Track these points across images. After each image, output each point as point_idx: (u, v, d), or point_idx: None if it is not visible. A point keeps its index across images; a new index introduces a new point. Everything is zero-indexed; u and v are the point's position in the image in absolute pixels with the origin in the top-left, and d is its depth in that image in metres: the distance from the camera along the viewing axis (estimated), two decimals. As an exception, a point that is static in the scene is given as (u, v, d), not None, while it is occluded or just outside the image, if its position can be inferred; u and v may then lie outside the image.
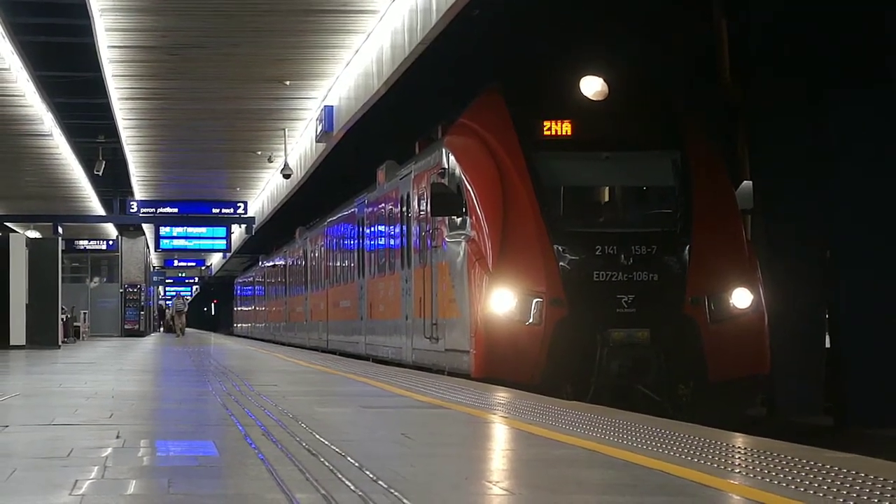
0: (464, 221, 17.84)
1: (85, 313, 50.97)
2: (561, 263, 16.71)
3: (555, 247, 16.75)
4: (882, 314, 21.58)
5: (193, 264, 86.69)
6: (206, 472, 7.04)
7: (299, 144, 34.90)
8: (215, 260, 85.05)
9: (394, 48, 21.22)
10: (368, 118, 26.46)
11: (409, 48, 20.03)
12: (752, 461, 7.41)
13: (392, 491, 6.14)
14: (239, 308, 79.06)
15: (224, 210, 46.83)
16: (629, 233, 16.92)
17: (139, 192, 45.99)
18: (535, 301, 16.55)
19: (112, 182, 44.38)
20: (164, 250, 53.98)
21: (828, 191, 21.89)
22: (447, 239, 18.70)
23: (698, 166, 17.46)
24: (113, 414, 11.06)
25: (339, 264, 32.78)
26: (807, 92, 21.94)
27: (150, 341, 48.04)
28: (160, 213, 46.74)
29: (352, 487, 6.28)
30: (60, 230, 48.25)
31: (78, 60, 27.81)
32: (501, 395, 13.50)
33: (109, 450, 8.02)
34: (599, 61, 18.04)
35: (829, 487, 6.32)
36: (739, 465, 7.24)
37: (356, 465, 7.15)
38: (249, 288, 68.50)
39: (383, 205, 25.20)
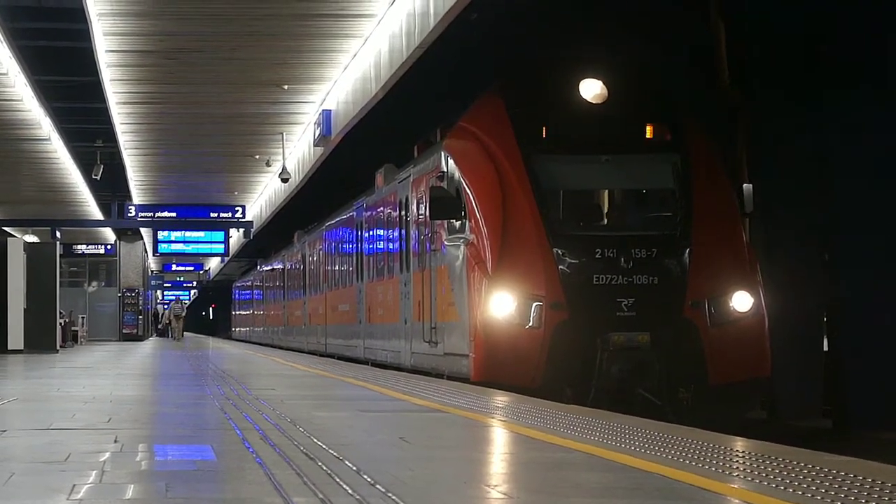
0: (463, 225, 17.79)
1: (83, 318, 50.95)
2: (561, 267, 16.65)
3: (554, 250, 16.69)
4: (881, 316, 21.58)
5: (191, 268, 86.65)
6: (204, 477, 7.04)
7: (297, 148, 34.90)
8: (213, 264, 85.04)
9: (392, 52, 21.22)
10: (366, 122, 26.44)
11: (407, 52, 20.03)
12: (751, 464, 7.41)
13: (390, 495, 6.13)
14: (237, 312, 79.03)
15: (222, 214, 46.79)
16: (629, 236, 16.88)
17: (137, 197, 45.98)
18: (534, 305, 16.50)
19: (110, 186, 44.36)
20: (162, 254, 53.95)
21: (827, 193, 21.88)
22: (446, 242, 18.64)
23: (698, 169, 17.40)
24: (111, 418, 11.05)
25: (337, 268, 32.66)
26: (806, 93, 21.95)
27: (149, 346, 48.02)
28: (158, 217, 46.70)
29: (350, 491, 6.27)
30: (58, 234, 48.21)
31: (76, 65, 27.81)
32: (500, 398, 13.49)
33: (107, 454, 8.02)
34: (599, 64, 17.99)
35: (826, 491, 6.32)
36: (738, 468, 7.23)
37: (354, 468, 7.14)
38: (248, 292, 68.44)
39: (382, 208, 25.10)
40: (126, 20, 21.24)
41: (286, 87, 26.73)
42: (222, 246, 50.61)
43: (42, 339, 33.35)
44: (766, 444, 8.73)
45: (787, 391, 21.48)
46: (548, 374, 16.32)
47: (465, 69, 24.83)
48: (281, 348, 45.19)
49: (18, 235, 47.92)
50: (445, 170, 18.61)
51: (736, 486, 6.48)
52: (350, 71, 24.88)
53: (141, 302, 62.24)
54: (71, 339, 43.66)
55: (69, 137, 34.93)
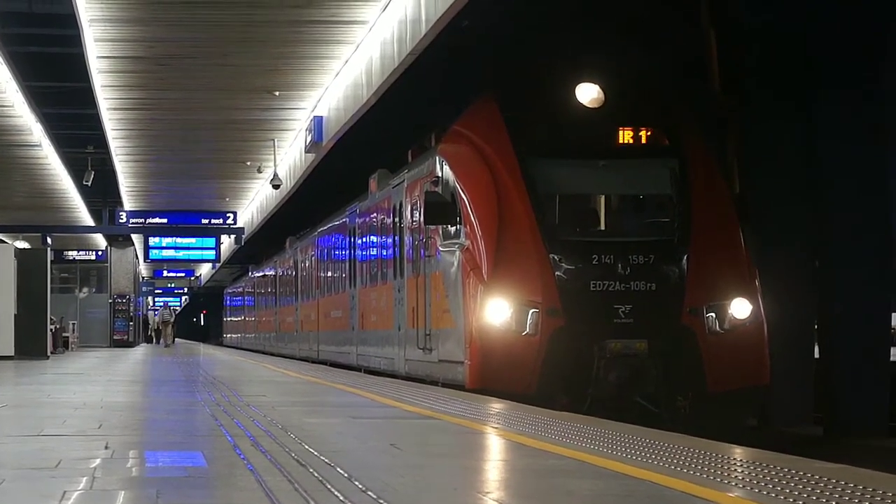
0: (458, 230, 17.63)
1: (74, 324, 50.84)
2: (557, 273, 16.48)
3: (551, 256, 16.52)
4: (872, 323, 21.61)
5: (183, 275, 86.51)
6: (194, 483, 7.03)
7: (288, 155, 34.88)
8: (204, 270, 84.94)
9: (383, 59, 21.22)
10: (358, 129, 26.43)
11: (399, 59, 20.03)
12: (742, 471, 7.41)
13: (381, 501, 6.13)
14: (228, 318, 78.88)
15: (213, 220, 46.74)
16: (626, 242, 16.73)
17: (128, 203, 45.93)
18: (530, 311, 16.32)
19: (101, 192, 44.33)
20: (153, 261, 53.87)
21: (817, 199, 21.90)
22: (441, 248, 18.48)
23: (696, 174, 17.28)
24: (102, 424, 11.03)
25: (330, 274, 32.42)
26: (797, 98, 21.96)
27: (140, 352, 47.95)
28: (149, 223, 46.64)
29: (341, 498, 6.27)
30: (49, 241, 48.15)
31: (67, 71, 27.82)
32: (492, 405, 13.49)
33: (98, 460, 8.00)
34: (595, 67, 17.86)
35: (818, 498, 6.32)
36: (729, 475, 7.23)
37: (345, 475, 7.13)
38: (239, 298, 68.31)
39: (375, 214, 24.88)
40: (117, 26, 21.22)
41: (278, 93, 26.72)
42: (213, 252, 50.57)
43: (33, 345, 33.28)
44: (756, 451, 8.73)
45: (779, 398, 21.48)
46: (544, 381, 16.15)
47: (457, 75, 24.84)
48: (273, 355, 45.01)
49: (9, 241, 47.86)
50: (440, 174, 18.46)
51: (726, 493, 6.48)
52: (341, 77, 24.88)
53: (132, 308, 62.15)
54: (62, 345, 43.57)
55: (60, 143, 34.90)
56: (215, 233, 48.65)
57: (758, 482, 6.90)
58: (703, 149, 17.78)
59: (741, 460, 8.00)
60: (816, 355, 22.61)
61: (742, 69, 22.39)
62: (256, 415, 12.08)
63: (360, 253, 27.17)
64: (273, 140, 32.46)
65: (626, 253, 16.46)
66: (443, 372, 18.41)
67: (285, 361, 35.06)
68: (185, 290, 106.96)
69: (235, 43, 22.46)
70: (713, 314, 16.46)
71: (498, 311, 16.42)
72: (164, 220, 46.48)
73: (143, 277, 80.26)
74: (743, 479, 7.06)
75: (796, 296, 21.66)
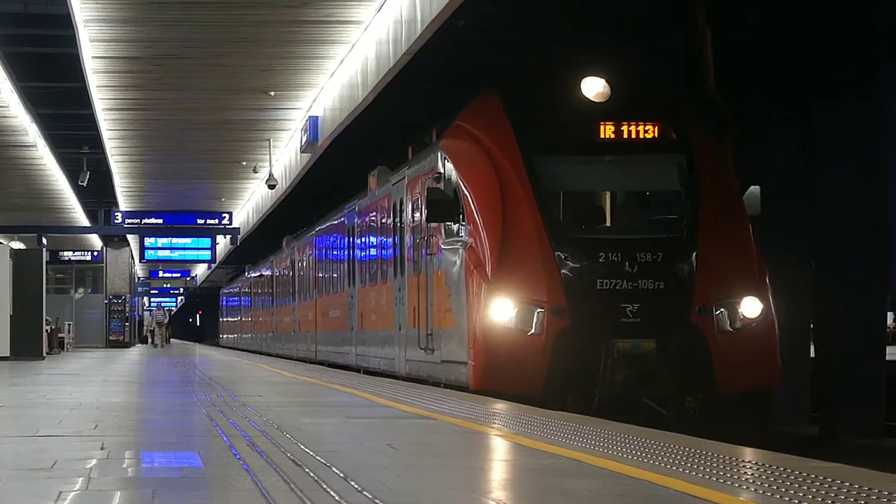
0: (461, 228, 17.25)
1: (69, 324, 50.84)
2: (563, 271, 16.10)
3: (556, 254, 16.15)
4: (868, 322, 21.63)
5: (178, 275, 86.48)
6: (190, 484, 7.02)
7: (284, 155, 34.87)
8: (200, 271, 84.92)
9: (378, 59, 21.22)
10: (353, 129, 26.43)
11: (394, 59, 20.03)
12: (738, 471, 7.41)
13: (377, 501, 6.12)
14: (225, 319, 78.76)
15: (209, 221, 46.74)
16: (634, 239, 16.36)
17: (124, 203, 45.92)
18: (536, 310, 15.94)
19: (96, 193, 44.31)
20: (148, 261, 53.87)
21: (814, 200, 21.92)
22: (443, 246, 18.08)
23: (705, 170, 16.92)
24: (97, 425, 11.02)
25: (328, 273, 31.93)
26: (793, 98, 21.98)
27: (135, 352, 47.94)
28: (145, 223, 46.65)
29: (337, 498, 6.26)
30: (45, 241, 48.13)
31: (62, 71, 27.77)
32: (489, 405, 13.48)
33: (94, 461, 8.00)
34: (601, 61, 17.48)
35: (813, 497, 6.32)
36: (725, 474, 7.23)
37: (341, 475, 7.13)
38: (235, 298, 68.13)
39: (375, 211, 24.42)
40: (112, 26, 21.21)
41: (273, 93, 26.72)
42: (209, 252, 50.57)
43: (28, 345, 33.28)
44: (752, 451, 8.73)
45: (774, 398, 21.47)
46: (549, 382, 15.78)
47: (452, 75, 24.82)
48: (270, 355, 44.75)
49: (4, 242, 47.82)
50: (442, 171, 18.07)
51: (722, 493, 6.48)
52: (337, 77, 24.88)
53: (127, 309, 62.12)
54: (57, 345, 43.56)
55: (55, 144, 34.88)
56: (211, 233, 48.66)
57: (753, 481, 6.90)
58: (710, 143, 17.46)
59: (736, 459, 8.00)
60: (812, 354, 22.61)
61: (738, 70, 22.38)
62: (252, 415, 12.07)
63: (359, 251, 26.69)
64: (268, 140, 32.47)
65: (634, 251, 16.10)
66: (445, 373, 18.05)
67: (281, 361, 35.04)
68: (181, 290, 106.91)
69: (231, 43, 22.46)
70: (723, 313, 16.13)
71: (502, 310, 16.07)
72: (160, 221, 46.47)
73: (138, 278, 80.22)
74: (738, 477, 7.06)
75: (792, 295, 21.67)
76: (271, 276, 47.40)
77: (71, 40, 22.52)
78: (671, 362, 15.72)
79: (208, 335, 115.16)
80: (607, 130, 16.95)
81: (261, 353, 48.88)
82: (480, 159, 17.23)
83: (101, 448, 8.85)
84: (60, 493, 6.49)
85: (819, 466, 7.68)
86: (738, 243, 16.71)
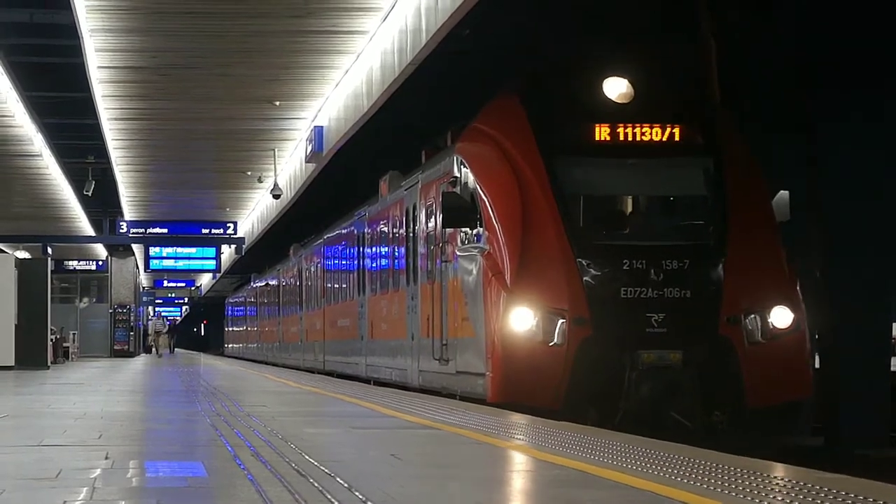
0: (478, 233, 16.59)
1: (74, 334, 50.84)
2: (585, 279, 15.50)
3: (578, 261, 15.54)
4: (871, 333, 21.61)
5: (183, 285, 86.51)
6: (195, 493, 7.03)
7: (289, 165, 34.90)
8: (205, 280, 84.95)
9: (384, 69, 21.24)
10: (358, 138, 26.45)
11: (399, 69, 20.05)
12: (742, 481, 7.40)
13: (382, 512, 6.12)
14: (230, 328, 78.51)
15: (214, 230, 46.76)
16: (659, 246, 15.76)
17: (129, 213, 45.96)
18: (557, 320, 15.32)
19: (101, 202, 44.35)
20: (153, 271, 53.91)
21: (820, 213, 21.91)
22: (459, 253, 17.38)
23: (732, 173, 16.27)
24: (102, 435, 11.03)
25: (337, 281, 31.21)
26: (796, 108, 21.97)
27: (140, 362, 47.94)
28: (150, 233, 46.67)
29: (341, 508, 6.26)
30: (50, 251, 48.18)
31: (68, 81, 27.81)
32: (493, 416, 13.47)
33: (98, 471, 8.00)
34: (624, 61, 16.85)
35: (819, 508, 6.32)
36: (728, 485, 7.23)
37: (345, 485, 7.13)
38: (241, 308, 67.83)
39: (386, 217, 23.64)
40: (118, 36, 21.25)
41: (278, 103, 26.74)
42: (214, 262, 50.59)
43: (33, 355, 33.28)
44: (755, 461, 8.73)
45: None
46: (571, 394, 15.16)
47: (458, 85, 24.84)
48: (276, 365, 44.24)
49: (9, 251, 47.88)
50: (458, 175, 17.40)
51: (724, 503, 6.48)
52: (342, 87, 24.91)
53: (132, 318, 62.15)
54: (62, 355, 43.57)
55: (61, 153, 34.92)
56: (216, 243, 48.67)
57: (757, 492, 6.90)
58: (738, 147, 16.76)
59: (740, 470, 8.00)
60: (816, 365, 22.59)
61: (743, 83, 22.39)
62: (256, 425, 12.07)
63: (369, 259, 25.94)
64: (273, 150, 32.49)
65: (660, 258, 15.50)
66: (461, 384, 17.40)
67: (286, 372, 35.02)
68: (186, 300, 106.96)
69: (236, 53, 22.49)
70: (752, 323, 15.54)
71: (522, 319, 15.43)
72: (165, 230, 46.51)
73: (143, 287, 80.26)
74: (742, 488, 7.05)
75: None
76: (278, 285, 46.96)
77: (76, 50, 22.56)
78: (698, 374, 15.15)
79: (213, 345, 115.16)
80: (631, 132, 16.35)
81: (266, 363, 48.37)
82: (499, 162, 16.63)
83: (106, 458, 8.85)
84: (65, 502, 6.50)
85: (822, 477, 7.68)
86: (767, 250, 16.11)
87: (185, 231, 46.91)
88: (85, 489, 7.03)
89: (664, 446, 9.84)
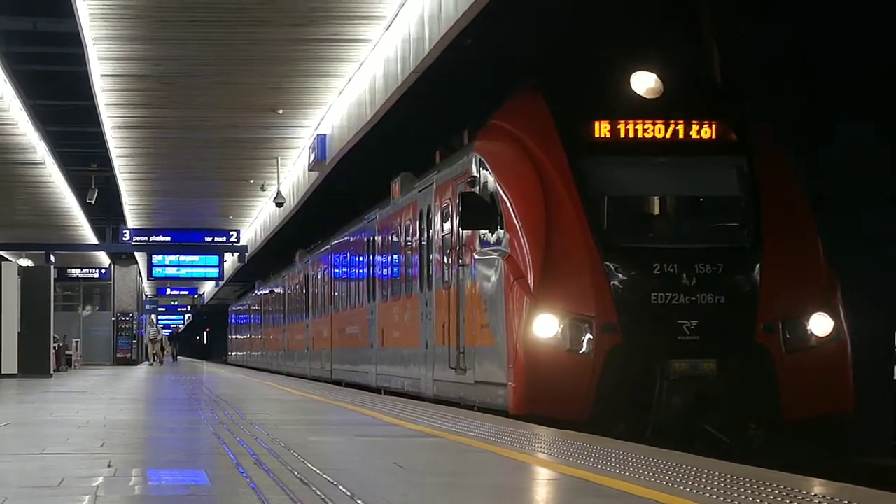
0: (499, 236, 15.81)
1: (77, 342, 50.86)
2: (613, 283, 14.73)
3: (606, 265, 14.77)
4: (874, 342, 21.58)
5: (186, 293, 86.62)
6: (197, 502, 7.02)
7: (292, 173, 34.92)
8: (208, 288, 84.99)
9: (386, 77, 21.26)
10: (361, 147, 26.46)
11: (402, 77, 20.07)
12: (744, 490, 7.40)
13: (384, 520, 6.12)
14: (234, 336, 78.26)
15: (217, 238, 46.79)
16: (691, 249, 14.98)
17: (132, 221, 45.99)
18: (583, 327, 14.59)
19: (104, 210, 44.37)
20: (156, 279, 53.95)
21: (820, 214, 21.87)
22: (478, 256, 16.64)
23: (768, 173, 15.53)
24: (104, 443, 11.03)
25: (345, 287, 30.25)
26: (803, 121, 21.96)
27: (143, 370, 47.93)
28: (153, 241, 46.71)
29: (344, 517, 6.26)
30: (53, 258, 48.21)
31: (71, 89, 27.83)
32: (496, 425, 13.46)
33: (101, 479, 8.00)
34: (653, 55, 16.08)
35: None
36: (729, 493, 7.22)
37: (348, 493, 7.13)
38: (245, 315, 67.43)
39: (398, 220, 22.72)
40: (121, 45, 21.27)
41: (281, 111, 26.76)
42: (217, 270, 50.58)
43: (36, 363, 33.30)
44: (756, 470, 8.73)
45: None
46: (598, 406, 14.41)
47: (461, 93, 24.85)
48: (281, 374, 43.52)
49: (13, 259, 47.91)
50: (477, 174, 16.64)
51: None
52: (345, 95, 24.93)
53: (135, 326, 62.18)
54: (65, 363, 43.57)
55: (64, 161, 34.95)
56: (219, 251, 48.70)
57: (760, 500, 6.89)
58: (773, 145, 16.01)
59: (741, 478, 7.98)
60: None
61: (745, 88, 22.37)
62: (259, 433, 12.07)
63: (380, 264, 25.01)
64: (276, 158, 32.51)
65: (692, 261, 14.72)
66: (480, 395, 16.58)
67: (289, 379, 34.98)
68: (189, 307, 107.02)
69: (239, 61, 22.51)
70: (790, 331, 14.78)
71: (546, 326, 14.66)
72: (168, 238, 46.54)
73: (146, 295, 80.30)
74: (745, 497, 7.04)
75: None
76: (283, 291, 46.24)
77: (80, 58, 22.58)
78: (733, 385, 14.41)
79: (216, 353, 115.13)
80: (660, 130, 15.57)
81: (271, 372, 47.72)
82: (520, 161, 15.81)
83: (109, 466, 8.85)
84: (67, 510, 6.50)
85: (826, 485, 7.67)
86: (805, 253, 15.38)
87: (187, 239, 46.94)
88: (87, 497, 7.02)
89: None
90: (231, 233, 46.76)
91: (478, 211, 16.12)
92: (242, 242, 47.60)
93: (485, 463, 9.42)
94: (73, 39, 21.61)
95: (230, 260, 55.83)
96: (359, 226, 27.95)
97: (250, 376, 39.43)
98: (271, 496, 7.04)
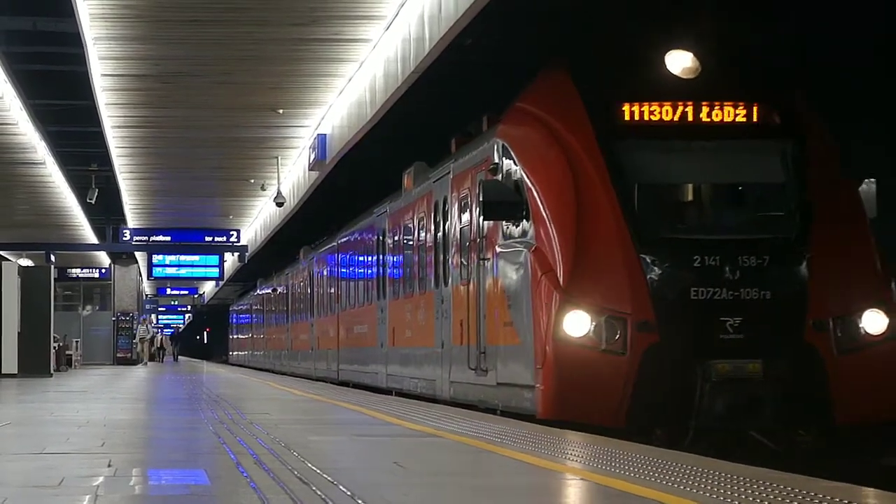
0: (524, 227, 14.79)
1: (77, 342, 50.85)
2: (650, 277, 13.73)
3: (642, 257, 13.77)
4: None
5: (186, 292, 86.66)
6: (197, 501, 7.02)
7: (292, 173, 34.94)
8: (208, 288, 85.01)
9: (387, 77, 21.27)
10: (361, 146, 26.47)
11: (402, 77, 20.08)
12: (750, 490, 7.39)
13: (384, 520, 6.12)
14: (235, 336, 77.92)
15: (217, 238, 46.82)
16: (734, 240, 13.96)
17: (132, 220, 46.01)
18: (618, 324, 13.62)
19: (105, 210, 44.40)
20: (156, 278, 53.99)
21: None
22: (501, 249, 15.56)
23: (815, 159, 14.47)
24: (105, 442, 11.02)
25: (353, 284, 28.95)
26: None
27: (143, 370, 47.94)
28: (153, 241, 46.74)
29: (344, 516, 6.26)
30: (53, 258, 48.23)
31: (71, 89, 27.86)
32: (496, 425, 13.45)
33: (101, 478, 8.00)
34: (690, 31, 15.00)
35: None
36: (734, 494, 7.21)
37: (348, 493, 7.13)
38: (247, 314, 66.91)
39: (411, 213, 21.57)
40: (121, 44, 21.28)
41: (281, 111, 26.78)
42: (217, 270, 50.61)
43: (36, 363, 33.30)
44: (762, 471, 8.72)
45: None
46: (634, 410, 13.44)
47: (460, 93, 24.85)
48: (285, 374, 42.71)
49: (13, 259, 47.92)
50: (500, 161, 15.61)
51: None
52: (345, 95, 24.94)
53: (135, 326, 62.16)
54: (65, 363, 43.57)
55: (64, 161, 34.98)
56: (219, 250, 48.73)
57: (761, 500, 6.88)
58: (821, 128, 14.91)
59: (747, 479, 7.97)
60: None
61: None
62: (259, 433, 12.07)
63: (391, 259, 23.78)
64: (277, 158, 32.53)
65: (735, 253, 13.72)
66: (503, 397, 15.56)
67: (289, 379, 34.94)
68: (189, 307, 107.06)
69: (239, 61, 22.52)
70: (842, 329, 13.78)
71: (577, 323, 13.68)
72: (168, 238, 46.57)
73: (146, 295, 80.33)
74: (748, 498, 7.04)
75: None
76: (287, 289, 45.15)
77: (80, 58, 22.60)
78: (780, 387, 13.43)
79: (216, 353, 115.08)
80: (699, 112, 14.59)
81: (274, 372, 46.91)
82: (548, 146, 14.76)
83: (109, 465, 8.85)
84: (67, 510, 6.50)
85: (828, 486, 7.67)
86: (857, 245, 14.33)
87: (188, 239, 46.96)
88: (88, 497, 7.02)
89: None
90: (231, 232, 46.78)
91: (502, 200, 15.04)
92: (242, 242, 47.61)
93: (485, 462, 9.41)
94: (74, 39, 21.63)
95: (230, 260, 55.86)
96: (368, 220, 26.84)
97: (250, 376, 39.42)
98: (271, 496, 7.03)
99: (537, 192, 14.57)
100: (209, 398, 20.52)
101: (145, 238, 46.57)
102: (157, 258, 49.53)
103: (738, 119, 14.59)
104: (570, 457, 9.42)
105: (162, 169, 34.84)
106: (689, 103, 14.59)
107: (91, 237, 50.33)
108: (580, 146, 14.47)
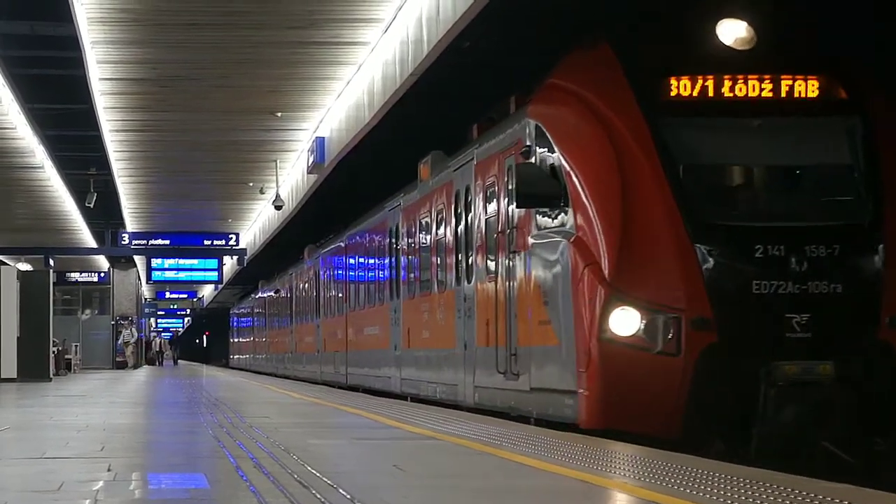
0: (562, 215, 13.47)
1: (76, 346, 50.87)
2: (706, 269, 12.44)
3: (697, 247, 12.47)
4: None
5: (185, 296, 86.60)
6: (197, 505, 7.02)
7: (291, 176, 34.93)
8: (207, 291, 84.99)
9: (385, 80, 21.27)
10: (360, 149, 26.46)
11: (401, 80, 20.08)
12: (750, 493, 7.38)
13: (384, 523, 6.11)
14: (236, 339, 77.44)
15: (216, 241, 46.79)
16: (800, 227, 12.63)
17: (131, 224, 46.01)
18: (671, 322, 12.33)
19: (103, 214, 44.39)
20: (155, 282, 53.93)
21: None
22: (534, 241, 14.20)
23: (886, 136, 13.11)
24: (104, 447, 11.02)
25: (363, 283, 27.43)
26: None
27: (142, 374, 47.92)
28: (152, 244, 46.72)
29: (344, 520, 6.25)
30: (52, 262, 48.18)
31: (69, 93, 27.85)
32: (493, 426, 13.44)
33: (101, 483, 7.99)
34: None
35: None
36: (736, 497, 7.21)
37: (348, 496, 7.12)
38: (248, 317, 66.32)
39: (428, 205, 20.09)
40: (119, 48, 21.28)
41: (279, 114, 26.77)
42: (216, 273, 50.59)
43: (35, 367, 33.30)
44: (766, 472, 8.70)
45: None
46: (691, 418, 12.18)
47: (459, 96, 24.85)
48: (288, 378, 41.62)
49: (11, 263, 47.91)
50: (532, 143, 14.21)
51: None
52: (343, 98, 24.94)
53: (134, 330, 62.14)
54: (64, 367, 43.58)
55: (63, 165, 34.97)
56: (218, 254, 48.69)
57: (761, 502, 6.88)
58: (888, 104, 13.47)
59: (749, 481, 7.97)
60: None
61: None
62: (259, 436, 12.06)
63: (405, 256, 22.22)
64: (275, 161, 32.52)
65: (802, 243, 12.43)
66: (538, 404, 14.22)
67: (289, 383, 34.90)
68: (188, 311, 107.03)
69: (237, 64, 22.52)
70: None
71: (625, 321, 12.45)
72: (167, 242, 46.56)
73: (145, 299, 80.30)
74: (747, 500, 7.03)
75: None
76: (290, 290, 43.79)
77: (78, 62, 22.59)
78: (854, 391, 12.18)
79: (216, 356, 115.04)
80: (756, 87, 13.25)
81: (276, 376, 45.99)
82: (587, 125, 13.41)
83: (108, 470, 8.84)
84: (67, 515, 6.49)
85: (829, 487, 7.66)
86: None
87: (186, 242, 46.95)
88: (87, 502, 7.01)
89: (663, 455, 9.76)
90: (230, 236, 46.76)
91: (537, 186, 13.60)
92: (241, 245, 47.59)
93: (484, 464, 9.41)
94: (72, 43, 21.62)
95: (229, 263, 55.84)
96: (379, 215, 25.16)
97: (250, 380, 39.39)
98: (271, 499, 7.02)
99: (577, 176, 13.24)
100: (209, 402, 20.51)
101: (144, 242, 46.56)
102: (155, 262, 49.50)
103: (799, 94, 13.28)
104: (571, 459, 9.42)
105: (160, 172, 34.83)
106: (744, 77, 13.28)
107: (90, 241, 50.32)
108: (624, 124, 13.17)
